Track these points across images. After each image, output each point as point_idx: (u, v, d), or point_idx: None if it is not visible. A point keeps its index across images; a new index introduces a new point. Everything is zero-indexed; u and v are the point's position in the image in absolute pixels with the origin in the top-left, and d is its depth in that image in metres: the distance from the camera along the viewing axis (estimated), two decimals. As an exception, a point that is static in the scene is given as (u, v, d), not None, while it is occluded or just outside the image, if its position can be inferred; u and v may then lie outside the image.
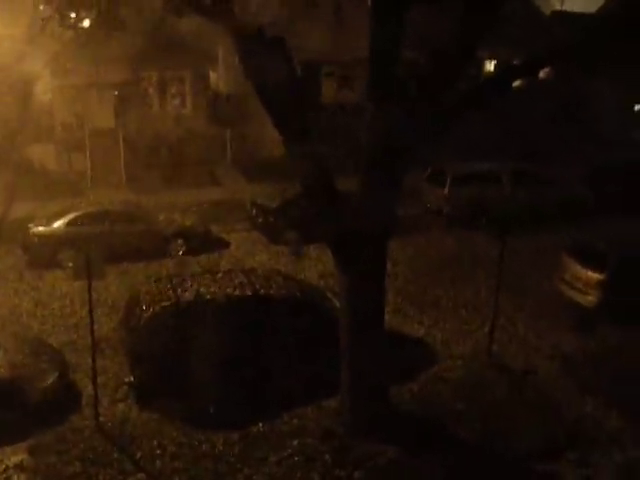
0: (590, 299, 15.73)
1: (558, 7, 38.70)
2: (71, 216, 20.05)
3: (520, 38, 29.95)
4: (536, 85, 33.57)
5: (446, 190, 22.97)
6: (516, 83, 32.73)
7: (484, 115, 27.97)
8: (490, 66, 34.45)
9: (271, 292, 13.84)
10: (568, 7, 38.63)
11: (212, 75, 34.44)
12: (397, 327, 15.80)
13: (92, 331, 12.28)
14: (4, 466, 11.17)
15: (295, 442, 11.71)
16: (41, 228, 19.91)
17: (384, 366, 11.91)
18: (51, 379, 12.80)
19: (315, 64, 33.10)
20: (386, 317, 14.13)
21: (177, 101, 32.29)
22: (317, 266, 19.23)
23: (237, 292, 13.68)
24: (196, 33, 31.90)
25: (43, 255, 19.65)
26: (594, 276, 15.68)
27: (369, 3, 10.96)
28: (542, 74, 34.47)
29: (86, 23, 28.42)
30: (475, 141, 27.71)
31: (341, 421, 12.03)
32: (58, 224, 19.89)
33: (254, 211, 22.83)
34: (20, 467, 11.16)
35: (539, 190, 23.02)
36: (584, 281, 15.88)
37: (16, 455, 11.42)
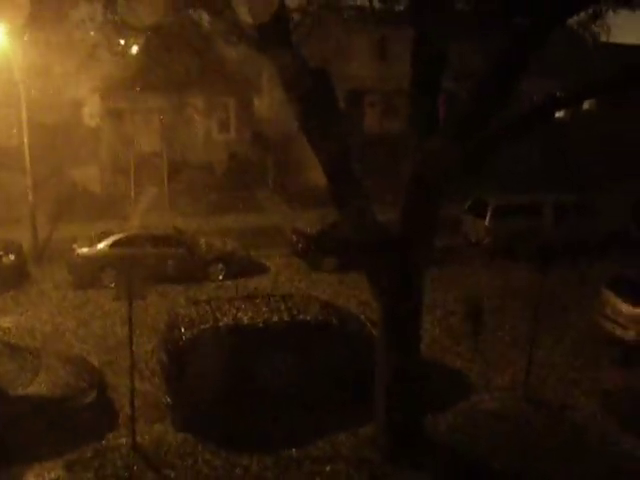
0: (631, 334, 15.52)
1: (604, 39, 38.53)
2: (114, 238, 20.39)
3: (564, 70, 29.94)
4: (581, 116, 33.44)
5: (487, 221, 22.92)
6: (560, 114, 32.54)
7: (527, 146, 28.05)
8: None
9: (308, 318, 13.91)
10: (614, 39, 38.35)
11: (256, 101, 34.95)
12: (434, 358, 15.74)
13: (131, 352, 12.46)
14: (42, 481, 11.37)
15: (328, 468, 11.71)
16: (85, 249, 20.27)
17: (420, 395, 11.87)
18: (90, 398, 12.99)
19: (359, 93, 33.42)
20: (423, 348, 14.15)
21: (221, 127, 32.78)
22: (356, 293, 19.25)
23: (275, 317, 13.78)
24: (241, 60, 32.48)
25: (86, 275, 20.01)
26: (635, 310, 15.48)
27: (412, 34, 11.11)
28: (587, 105, 34.34)
29: (134, 49, 29.15)
30: (518, 172, 27.67)
31: (375, 449, 12.01)
32: (102, 245, 20.24)
33: (294, 237, 23.00)
34: (57, 483, 11.35)
35: (581, 222, 22.86)
36: (625, 315, 15.68)
37: (54, 470, 11.59)
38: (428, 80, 10.96)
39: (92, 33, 28.20)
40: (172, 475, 11.59)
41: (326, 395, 13.21)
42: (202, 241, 21.72)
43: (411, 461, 11.60)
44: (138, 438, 12.45)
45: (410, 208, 11.10)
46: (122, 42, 28.21)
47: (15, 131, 24.34)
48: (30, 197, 23.04)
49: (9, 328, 17.17)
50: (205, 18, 18.05)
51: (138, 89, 28.27)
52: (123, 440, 12.52)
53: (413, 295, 11.42)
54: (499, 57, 10.29)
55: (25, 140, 22.89)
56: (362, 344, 13.60)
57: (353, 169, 11.20)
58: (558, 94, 11.40)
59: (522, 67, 10.31)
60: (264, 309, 14.04)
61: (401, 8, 15.53)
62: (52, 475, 11.51)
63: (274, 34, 10.60)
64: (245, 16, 10.98)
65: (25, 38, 22.36)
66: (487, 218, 22.88)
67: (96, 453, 12.14)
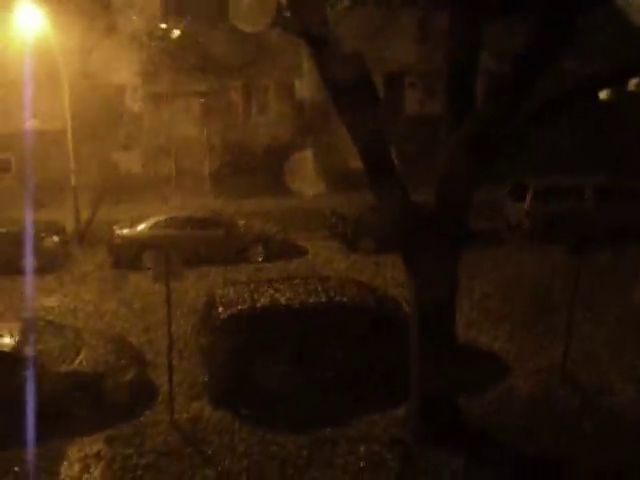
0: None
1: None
2: (154, 220, 20.69)
3: (609, 49, 29.39)
4: (625, 97, 32.82)
5: (527, 205, 22.74)
6: (604, 95, 32.01)
7: (571, 128, 27.64)
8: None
9: (345, 300, 14.00)
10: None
11: (297, 84, 34.94)
12: (471, 340, 15.74)
13: (170, 331, 12.68)
14: (83, 454, 11.69)
15: (362, 448, 11.82)
16: (125, 230, 20.60)
17: (454, 377, 11.91)
18: (130, 375, 13.30)
19: (398, 75, 33.19)
20: (460, 330, 14.22)
21: (261, 109, 32.88)
22: (394, 275, 19.26)
23: (312, 299, 13.89)
24: (281, 42, 32.51)
25: (127, 256, 20.36)
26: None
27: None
28: (632, 86, 33.69)
29: (175, 33, 29.37)
30: (560, 155, 27.31)
31: (409, 429, 12.09)
32: (142, 227, 20.55)
33: (333, 219, 23.08)
34: (98, 456, 11.65)
35: (623, 205, 22.54)
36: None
37: (95, 445, 11.92)
38: (464, 60, 10.90)
39: (134, 17, 28.59)
40: (209, 451, 11.82)
41: (362, 376, 13.31)
42: (241, 223, 21.91)
43: (444, 443, 11.66)
44: (176, 415, 12.73)
45: (445, 189, 11.08)
46: (163, 26, 28.54)
47: (58, 115, 24.69)
48: (73, 180, 23.47)
49: (53, 307, 17.59)
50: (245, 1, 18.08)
51: (178, 73, 28.48)
52: (161, 417, 12.80)
53: (448, 277, 11.43)
54: (533, 37, 10.18)
55: (68, 124, 23.30)
56: (399, 325, 13.64)
57: (390, 153, 11.20)
58: (600, 73, 11.24)
59: (556, 48, 10.20)
60: (301, 290, 14.16)
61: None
62: (94, 449, 11.82)
63: (310, 18, 10.60)
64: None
65: (67, 21, 22.74)
66: (527, 201, 22.70)
67: (136, 429, 12.44)
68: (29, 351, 12.75)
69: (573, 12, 9.97)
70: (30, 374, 12.29)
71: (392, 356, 13.11)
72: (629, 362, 14.80)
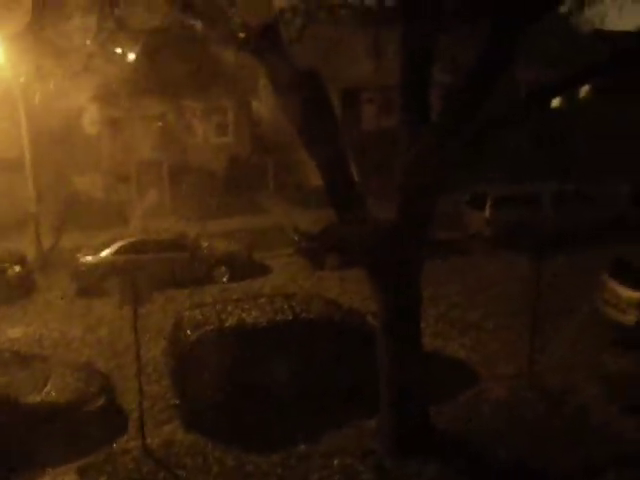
0: (630, 318, 15.65)
1: (598, 26, 38.57)
2: (117, 245, 20.61)
3: (559, 58, 30.00)
4: (576, 104, 33.51)
5: (487, 213, 23.12)
6: (556, 103, 32.56)
7: (525, 137, 28.16)
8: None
9: (311, 316, 14.11)
10: (609, 26, 38.42)
11: (255, 104, 35.11)
12: (438, 349, 15.94)
13: (138, 356, 12.67)
14: (55, 486, 11.61)
15: (335, 462, 11.90)
16: (89, 257, 20.50)
17: (423, 386, 12.05)
18: (100, 403, 13.21)
19: (354, 91, 33.53)
20: (427, 340, 14.41)
21: (220, 130, 32.97)
22: (359, 290, 19.40)
23: (278, 316, 13.97)
24: (238, 63, 32.65)
25: (91, 283, 20.23)
26: (635, 295, 15.62)
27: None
28: (583, 93, 34.40)
29: (131, 57, 29.33)
30: (516, 163, 27.79)
31: (381, 440, 12.19)
32: (105, 253, 20.47)
33: (296, 237, 23.19)
34: (70, 487, 11.58)
35: (581, 210, 23.03)
36: (624, 300, 15.82)
37: (67, 475, 11.84)
38: (417, 74, 11.08)
39: (88, 42, 28.51)
40: (183, 475, 11.81)
41: (332, 391, 13.40)
42: (205, 244, 21.93)
43: (416, 452, 11.79)
44: (148, 440, 12.68)
45: (405, 204, 11.23)
46: (119, 50, 28.52)
47: (15, 142, 24.52)
48: (33, 207, 23.28)
49: (18, 338, 17.42)
50: (200, 24, 18.17)
51: (135, 96, 28.47)
52: (133, 443, 12.75)
53: (412, 288, 11.60)
54: (483, 48, 10.40)
55: (26, 150, 23.14)
56: (366, 339, 13.75)
57: (349, 170, 11.34)
58: (552, 81, 11.50)
59: (506, 58, 10.43)
60: (268, 309, 14.24)
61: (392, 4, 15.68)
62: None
63: (264, 38, 10.74)
64: (237, 23, 11.14)
65: (22, 48, 22.62)
66: (486, 209, 23.08)
67: (108, 457, 12.37)
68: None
69: (521, 22, 10.20)
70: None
71: (360, 369, 13.23)
72: (593, 362, 15.10)
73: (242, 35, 11.20)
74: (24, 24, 16.24)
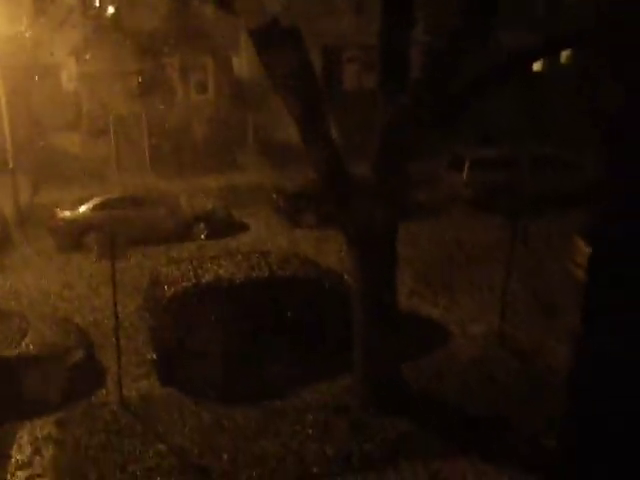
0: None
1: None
2: (96, 201, 20.56)
3: (544, 22, 29.97)
4: (557, 68, 33.54)
5: (464, 175, 23.28)
6: (537, 66, 32.53)
7: (505, 100, 28.19)
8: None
9: (287, 273, 14.25)
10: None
11: (235, 60, 34.78)
12: (413, 308, 16.18)
13: (115, 311, 12.77)
14: (33, 437, 11.74)
15: (310, 417, 12.17)
16: (67, 213, 20.45)
17: (397, 344, 12.27)
18: (78, 357, 13.33)
19: (336, 49, 33.32)
20: (402, 299, 14.62)
21: (200, 87, 32.68)
22: (336, 249, 19.57)
23: (255, 273, 14.10)
24: (218, 18, 32.29)
25: (69, 239, 20.21)
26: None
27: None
28: (564, 58, 34.41)
29: (110, 10, 28.93)
30: (497, 126, 27.90)
31: (355, 397, 12.45)
32: (83, 209, 20.41)
33: (275, 195, 23.25)
34: (48, 438, 11.73)
35: (558, 174, 23.22)
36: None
37: (45, 427, 11.98)
38: (396, 37, 11.10)
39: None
40: (160, 428, 12.00)
41: (308, 348, 13.58)
42: (183, 201, 21.93)
43: (389, 408, 12.06)
44: (125, 394, 12.84)
45: (382, 160, 11.29)
46: (97, 4, 28.12)
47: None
48: (10, 163, 23.12)
49: (-5, 292, 17.45)
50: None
51: (114, 52, 28.14)
52: (111, 396, 12.92)
53: (387, 247, 11.75)
54: (462, 9, 10.42)
55: (3, 107, 22.89)
56: (341, 297, 13.93)
57: (326, 125, 11.39)
58: (534, 44, 11.53)
59: (486, 18, 10.45)
60: (244, 266, 14.35)
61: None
62: (44, 432, 11.88)
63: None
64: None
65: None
66: (464, 172, 23.23)
67: (85, 410, 12.54)
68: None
69: None
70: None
71: (335, 327, 13.41)
72: (563, 324, 15.37)
73: None
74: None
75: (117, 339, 12.82)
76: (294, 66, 10.87)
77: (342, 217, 11.89)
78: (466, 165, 23.27)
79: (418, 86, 11.06)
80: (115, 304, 12.71)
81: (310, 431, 11.80)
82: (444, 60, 10.79)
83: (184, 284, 13.63)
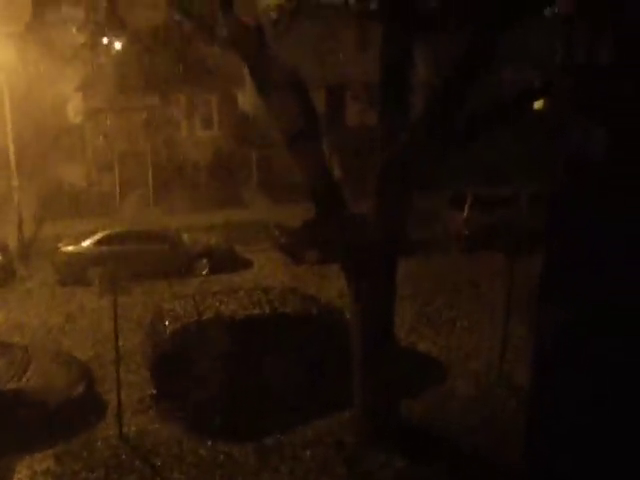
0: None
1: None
2: (99, 236, 20.75)
3: (542, 56, 30.27)
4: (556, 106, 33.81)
5: (465, 213, 23.49)
6: (538, 105, 32.86)
7: (507, 138, 28.42)
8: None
9: (288, 310, 14.37)
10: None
11: (239, 97, 35.16)
12: (412, 346, 16.25)
13: (117, 345, 12.87)
14: (32, 471, 11.81)
15: (308, 452, 12.22)
16: (70, 247, 20.63)
17: (395, 380, 12.33)
18: (78, 391, 13.43)
19: (340, 87, 33.75)
20: (401, 336, 14.72)
21: (205, 124, 33.03)
22: (338, 285, 19.65)
23: (256, 310, 14.22)
24: (223, 56, 32.68)
25: (72, 273, 20.37)
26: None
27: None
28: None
29: (117, 46, 29.38)
30: (497, 164, 28.12)
31: (353, 432, 12.49)
32: (87, 243, 20.60)
33: (277, 232, 23.43)
34: (47, 472, 11.78)
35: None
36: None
37: (44, 461, 12.04)
38: (397, 75, 11.30)
39: (74, 30, 28.49)
40: (158, 463, 12.05)
41: (307, 384, 13.66)
42: (186, 237, 22.10)
43: (386, 444, 12.09)
44: (125, 429, 12.91)
45: (379, 200, 11.48)
46: (105, 41, 28.53)
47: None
48: (16, 196, 23.37)
49: (-2, 326, 17.57)
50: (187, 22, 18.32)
51: (120, 87, 28.51)
52: (110, 431, 12.97)
53: (387, 285, 11.87)
54: (464, 49, 10.60)
55: (10, 140, 23.21)
56: (341, 334, 14.01)
57: (330, 168, 11.60)
58: (535, 84, 11.70)
59: (487, 59, 10.62)
60: (246, 302, 14.49)
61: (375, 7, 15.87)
62: (42, 466, 11.94)
63: (247, 39, 10.97)
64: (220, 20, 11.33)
65: (6, 39, 22.71)
66: (465, 210, 23.45)
67: (85, 444, 12.60)
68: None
69: (502, 23, 10.41)
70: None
71: (335, 363, 13.47)
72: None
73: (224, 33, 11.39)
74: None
75: (117, 373, 12.90)
76: (296, 106, 11.08)
77: (344, 257, 12.03)
78: (467, 203, 23.48)
79: (418, 123, 11.22)
80: (116, 339, 12.81)
81: (308, 467, 11.84)
82: (445, 97, 10.94)
83: (186, 320, 13.76)
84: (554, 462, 7.24)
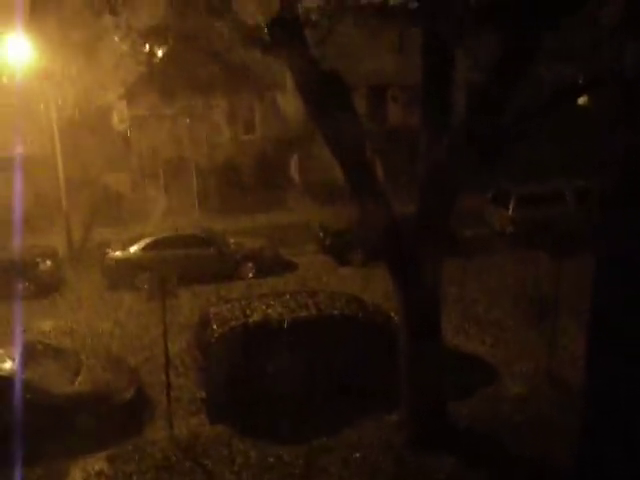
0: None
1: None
2: (146, 241, 21.04)
3: (584, 54, 29.86)
4: (603, 101, 33.35)
5: (510, 211, 23.25)
6: (582, 100, 32.44)
7: (550, 134, 28.12)
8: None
9: (335, 312, 14.39)
10: None
11: (281, 100, 35.36)
12: (459, 346, 16.15)
13: (166, 349, 13.05)
14: (86, 473, 12.03)
15: (357, 454, 12.21)
16: (118, 253, 20.96)
17: (442, 382, 12.29)
18: (129, 394, 13.66)
19: (381, 88, 33.74)
20: (449, 336, 14.64)
21: (247, 127, 33.28)
22: (383, 287, 19.61)
23: (302, 312, 14.28)
24: (264, 59, 32.89)
25: (121, 278, 20.69)
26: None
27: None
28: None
29: (159, 53, 29.70)
30: (541, 160, 27.81)
31: (401, 434, 12.46)
32: (134, 249, 20.90)
33: (322, 234, 23.49)
34: (100, 474, 12.00)
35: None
36: None
37: (97, 463, 12.25)
38: (438, 75, 11.24)
39: (116, 39, 28.93)
40: (208, 465, 12.17)
41: (355, 386, 13.66)
42: (231, 241, 22.29)
43: (434, 446, 12.05)
44: (175, 431, 13.08)
45: (427, 199, 11.43)
46: (147, 49, 28.93)
47: (46, 139, 25.08)
48: (64, 203, 23.82)
49: (49, 331, 17.92)
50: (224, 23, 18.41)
51: (163, 94, 28.85)
52: (161, 433, 13.15)
53: (433, 285, 11.82)
54: (505, 48, 10.50)
55: (57, 147, 23.67)
56: (388, 335, 14.01)
57: (372, 167, 11.58)
58: (578, 81, 11.56)
59: (528, 57, 10.50)
60: (292, 305, 14.54)
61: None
62: (96, 468, 12.15)
63: (285, 38, 10.97)
64: (251, 19, 11.35)
65: (53, 47, 23.14)
66: (510, 208, 23.21)
67: (136, 446, 12.77)
68: (28, 374, 13.06)
69: (543, 21, 10.28)
70: (30, 397, 12.61)
71: (382, 365, 13.46)
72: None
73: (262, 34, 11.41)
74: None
75: (167, 377, 13.08)
76: (336, 107, 11.07)
77: (389, 257, 12.01)
78: (512, 201, 23.24)
79: (463, 125, 11.13)
80: (165, 343, 13.00)
81: (357, 470, 11.85)
82: (489, 97, 10.84)
83: (233, 323, 13.87)
84: (608, 466, 7.12)
